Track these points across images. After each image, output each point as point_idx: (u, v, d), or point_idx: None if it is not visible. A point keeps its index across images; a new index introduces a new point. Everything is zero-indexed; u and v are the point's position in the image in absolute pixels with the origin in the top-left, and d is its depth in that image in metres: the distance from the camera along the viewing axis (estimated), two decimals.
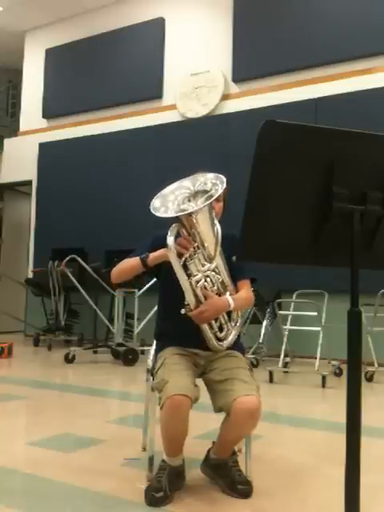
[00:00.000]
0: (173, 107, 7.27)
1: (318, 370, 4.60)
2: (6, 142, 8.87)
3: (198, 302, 1.94)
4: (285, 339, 5.10)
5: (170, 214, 1.92)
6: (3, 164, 8.87)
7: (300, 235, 1.26)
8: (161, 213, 1.91)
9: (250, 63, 6.75)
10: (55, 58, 8.43)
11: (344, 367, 4.64)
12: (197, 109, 7.08)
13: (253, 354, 5.43)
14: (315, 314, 4.85)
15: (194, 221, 1.90)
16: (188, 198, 1.96)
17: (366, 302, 4.58)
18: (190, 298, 1.93)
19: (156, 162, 6.98)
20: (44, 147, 8.25)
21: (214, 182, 1.94)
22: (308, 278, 5.38)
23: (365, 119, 5.46)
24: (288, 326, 5.27)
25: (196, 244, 1.95)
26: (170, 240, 1.90)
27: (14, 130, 9.09)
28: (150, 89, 7.48)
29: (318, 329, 4.97)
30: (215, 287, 2.00)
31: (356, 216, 1.24)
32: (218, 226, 1.94)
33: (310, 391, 4.36)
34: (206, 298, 1.95)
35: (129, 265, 2.13)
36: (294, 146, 1.20)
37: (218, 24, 7.12)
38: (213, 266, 1.98)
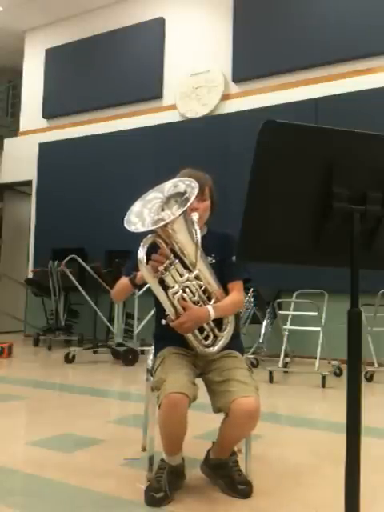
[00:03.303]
0: (173, 107, 7.27)
1: (318, 370, 4.61)
2: (6, 141, 8.87)
3: (178, 313, 1.91)
4: (285, 339, 5.10)
5: (147, 226, 1.86)
6: (3, 164, 8.87)
7: (300, 235, 1.26)
8: (137, 227, 1.85)
9: (250, 63, 6.75)
10: (55, 57, 8.43)
11: (344, 367, 4.64)
12: (197, 109, 7.08)
13: (253, 354, 5.43)
14: (315, 314, 4.85)
15: (170, 231, 1.85)
16: (161, 206, 1.91)
17: (366, 302, 4.58)
18: (169, 310, 1.91)
19: (156, 162, 6.98)
20: (44, 147, 8.25)
21: (187, 184, 1.89)
22: (308, 278, 5.38)
23: (365, 119, 5.46)
24: (288, 326, 5.27)
25: (173, 254, 1.90)
26: (141, 253, 1.84)
27: (13, 130, 9.09)
28: (150, 89, 7.48)
29: (318, 329, 4.97)
30: (196, 296, 1.96)
31: (356, 216, 1.23)
32: (198, 232, 1.88)
33: (310, 391, 4.36)
34: (185, 309, 1.92)
35: (122, 286, 2.15)
36: (294, 145, 1.19)
37: (218, 24, 7.11)
38: (193, 274, 1.93)
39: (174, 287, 1.90)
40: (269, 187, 1.21)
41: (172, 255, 1.90)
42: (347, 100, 5.90)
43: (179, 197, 1.89)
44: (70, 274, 6.21)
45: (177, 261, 1.90)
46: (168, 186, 1.95)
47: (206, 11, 7.25)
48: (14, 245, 9.11)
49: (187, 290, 1.93)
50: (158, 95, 7.44)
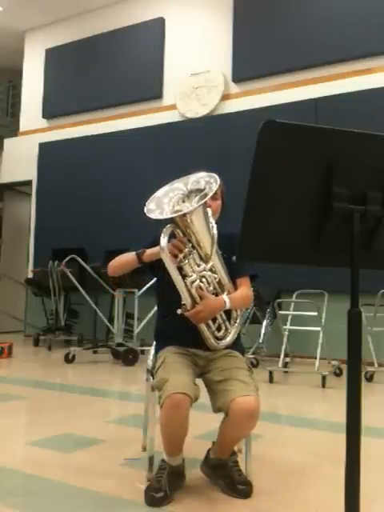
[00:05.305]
0: (173, 107, 7.27)
1: (318, 370, 4.61)
2: (6, 141, 8.87)
3: (194, 303, 1.94)
4: (285, 339, 5.10)
5: (165, 215, 1.92)
6: (3, 164, 8.87)
7: (300, 235, 1.26)
8: (156, 215, 1.92)
9: (249, 63, 6.75)
10: (55, 58, 8.43)
11: (344, 367, 4.64)
12: (197, 109, 7.08)
13: (253, 354, 5.43)
14: (315, 314, 4.85)
15: (189, 221, 1.90)
16: (182, 198, 1.96)
17: (366, 302, 4.58)
18: (185, 299, 1.94)
19: (156, 162, 6.98)
20: (44, 147, 8.25)
21: (207, 180, 1.95)
22: (308, 278, 5.37)
23: (365, 119, 5.46)
24: (288, 326, 5.27)
25: (191, 244, 1.95)
26: (164, 241, 1.90)
27: (13, 130, 9.09)
28: (150, 89, 7.48)
29: (318, 329, 4.97)
30: (211, 287, 2.00)
31: (356, 216, 1.24)
32: (214, 226, 1.94)
33: (310, 391, 4.36)
34: (201, 298, 1.95)
35: (125, 259, 2.14)
36: (294, 145, 1.19)
37: (218, 24, 7.11)
38: (209, 265, 1.97)
39: (191, 276, 1.94)
40: (269, 187, 1.21)
41: (190, 245, 1.94)
42: (347, 100, 5.90)
43: (199, 192, 1.94)
44: (69, 274, 6.22)
45: (194, 251, 1.95)
46: (191, 180, 2.00)
47: (206, 11, 7.25)
48: (14, 245, 9.11)
49: (204, 279, 1.97)
50: (158, 95, 7.44)
